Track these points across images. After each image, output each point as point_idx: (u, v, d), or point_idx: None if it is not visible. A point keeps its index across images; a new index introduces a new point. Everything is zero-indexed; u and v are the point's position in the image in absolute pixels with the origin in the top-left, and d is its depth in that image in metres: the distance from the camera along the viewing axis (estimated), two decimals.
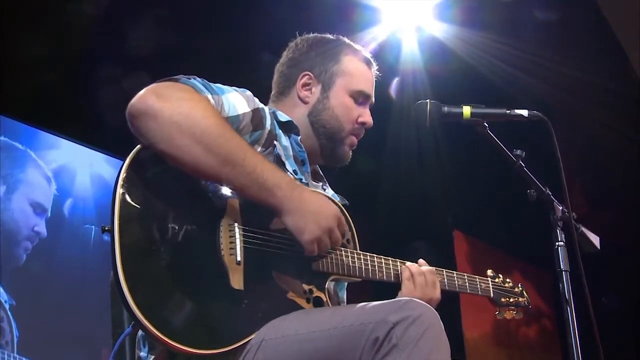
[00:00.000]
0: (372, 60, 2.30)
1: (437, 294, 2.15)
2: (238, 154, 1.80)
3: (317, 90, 2.21)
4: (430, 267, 2.18)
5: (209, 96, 1.89)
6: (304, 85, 2.22)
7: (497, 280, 2.45)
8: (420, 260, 2.20)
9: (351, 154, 2.27)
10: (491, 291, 2.40)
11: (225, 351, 1.74)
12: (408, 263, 2.16)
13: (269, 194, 1.82)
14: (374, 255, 2.09)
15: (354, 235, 2.08)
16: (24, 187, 3.92)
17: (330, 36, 2.30)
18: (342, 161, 2.26)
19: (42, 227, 3.98)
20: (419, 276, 2.12)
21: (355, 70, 2.24)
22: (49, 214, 4.03)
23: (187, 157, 1.78)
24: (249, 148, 1.86)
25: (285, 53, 2.30)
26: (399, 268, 2.13)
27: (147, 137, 1.79)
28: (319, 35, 2.30)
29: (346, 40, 2.30)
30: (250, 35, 4.10)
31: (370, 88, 2.26)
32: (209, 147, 1.77)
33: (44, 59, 3.84)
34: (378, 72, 2.32)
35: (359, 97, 2.23)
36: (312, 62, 2.23)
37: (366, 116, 2.24)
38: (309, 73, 2.22)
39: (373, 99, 2.28)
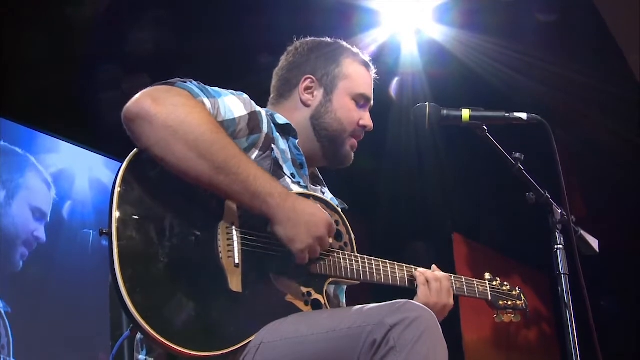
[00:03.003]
0: (370, 63, 2.31)
1: (450, 301, 2.18)
2: (232, 161, 1.80)
3: (319, 93, 2.21)
4: (446, 274, 2.21)
5: (205, 100, 1.89)
6: (307, 88, 2.21)
7: (494, 283, 2.46)
8: (433, 266, 2.22)
9: (353, 155, 2.28)
10: (489, 294, 2.42)
11: (224, 353, 1.74)
12: (421, 269, 2.18)
13: (261, 202, 1.82)
14: (372, 258, 2.09)
15: (352, 238, 2.08)
16: (24, 192, 3.92)
17: (329, 39, 2.30)
18: (344, 162, 2.27)
19: (41, 232, 3.98)
20: (435, 282, 2.16)
21: (356, 73, 2.24)
22: (49, 220, 4.03)
23: (180, 163, 1.78)
24: (243, 156, 1.85)
25: (284, 57, 2.30)
26: (396, 271, 2.14)
27: (141, 141, 1.79)
28: (318, 39, 2.30)
29: (345, 43, 2.30)
30: (249, 37, 4.09)
31: (370, 91, 2.28)
32: (202, 154, 1.77)
33: (44, 62, 3.84)
34: (376, 75, 2.33)
35: (360, 100, 2.24)
36: (314, 66, 2.23)
37: (367, 119, 2.25)
38: (311, 76, 2.21)
39: (372, 102, 2.29)
